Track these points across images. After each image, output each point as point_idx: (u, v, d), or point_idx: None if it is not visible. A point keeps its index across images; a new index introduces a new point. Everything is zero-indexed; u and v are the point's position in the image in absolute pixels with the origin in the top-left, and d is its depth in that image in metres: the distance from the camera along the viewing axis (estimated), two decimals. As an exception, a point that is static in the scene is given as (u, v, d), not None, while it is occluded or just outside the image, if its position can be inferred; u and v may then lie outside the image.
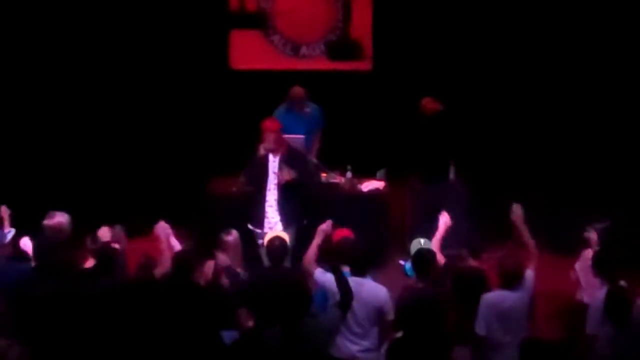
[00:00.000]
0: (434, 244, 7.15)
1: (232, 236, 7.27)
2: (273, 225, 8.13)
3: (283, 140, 8.34)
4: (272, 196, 8.24)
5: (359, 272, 6.56)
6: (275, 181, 8.21)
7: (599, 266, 6.74)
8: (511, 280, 6.38)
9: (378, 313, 6.46)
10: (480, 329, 6.31)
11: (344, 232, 7.30)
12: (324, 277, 6.53)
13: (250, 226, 8.26)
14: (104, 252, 6.69)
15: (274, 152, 8.25)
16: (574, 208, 8.95)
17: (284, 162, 8.19)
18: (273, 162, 8.26)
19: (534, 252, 6.67)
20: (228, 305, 6.54)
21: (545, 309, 7.43)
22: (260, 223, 8.22)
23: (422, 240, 7.09)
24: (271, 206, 8.23)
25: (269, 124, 8.31)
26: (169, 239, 7.12)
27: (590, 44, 9.93)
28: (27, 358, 5.50)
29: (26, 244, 7.02)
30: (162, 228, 7.10)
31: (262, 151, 8.33)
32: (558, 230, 9.00)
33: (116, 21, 10.17)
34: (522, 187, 9.83)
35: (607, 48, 9.86)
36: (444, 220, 7.33)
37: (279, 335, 5.86)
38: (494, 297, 6.38)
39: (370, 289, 6.51)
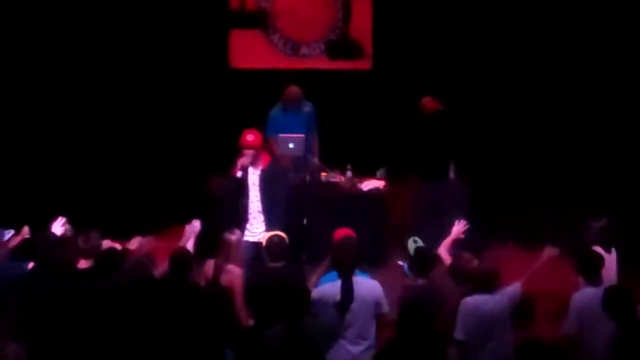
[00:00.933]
0: (442, 249, 7.11)
1: (236, 235, 7.22)
2: (257, 235, 7.94)
3: (263, 156, 8.11)
4: (255, 208, 8.06)
5: (348, 274, 6.47)
6: (257, 193, 8.02)
7: (581, 266, 6.71)
8: (488, 284, 6.34)
9: (375, 307, 6.48)
10: (458, 334, 6.27)
11: (345, 232, 7.25)
12: (316, 291, 6.42)
13: None
14: (107, 255, 6.67)
15: (253, 166, 8.03)
16: (574, 207, 8.94)
17: (264, 177, 7.99)
18: (253, 174, 8.06)
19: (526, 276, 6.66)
20: (227, 305, 6.54)
21: (545, 309, 7.42)
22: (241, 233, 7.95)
23: (416, 239, 7.04)
24: (255, 217, 8.08)
25: (249, 141, 7.95)
26: (189, 238, 7.13)
27: (590, 44, 9.92)
28: (24, 357, 5.50)
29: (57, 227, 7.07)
30: (193, 227, 7.21)
31: (238, 169, 7.96)
32: (557, 230, 8.99)
33: (116, 20, 10.16)
34: (521, 186, 9.88)
35: (607, 48, 9.86)
36: (458, 229, 7.30)
37: (280, 334, 5.85)
38: (473, 301, 6.31)
39: (365, 285, 6.52)
